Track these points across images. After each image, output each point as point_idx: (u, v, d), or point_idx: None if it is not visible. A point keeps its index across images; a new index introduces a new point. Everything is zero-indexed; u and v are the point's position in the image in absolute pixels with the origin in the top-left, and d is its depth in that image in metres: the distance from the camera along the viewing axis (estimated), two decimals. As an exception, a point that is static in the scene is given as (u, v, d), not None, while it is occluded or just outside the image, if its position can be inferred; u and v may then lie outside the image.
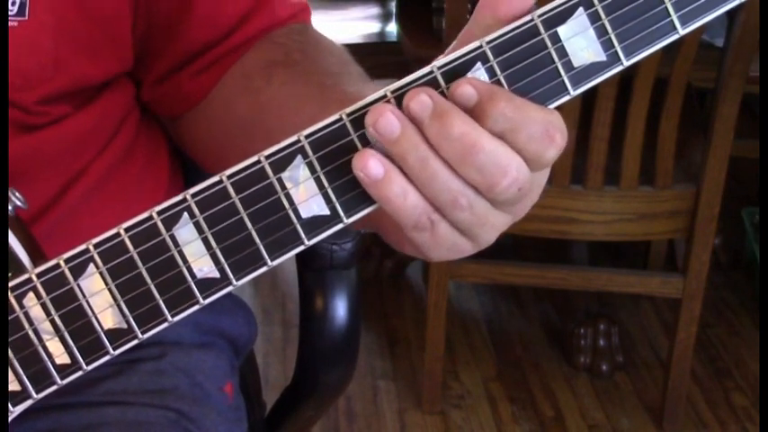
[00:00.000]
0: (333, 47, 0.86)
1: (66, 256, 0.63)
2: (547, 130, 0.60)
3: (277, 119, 0.80)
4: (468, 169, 0.59)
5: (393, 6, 2.79)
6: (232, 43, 0.85)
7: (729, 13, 1.77)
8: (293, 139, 0.62)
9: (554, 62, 0.61)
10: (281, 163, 0.62)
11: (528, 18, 0.61)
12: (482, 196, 0.61)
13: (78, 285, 0.63)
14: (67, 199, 0.83)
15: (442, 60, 0.61)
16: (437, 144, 0.59)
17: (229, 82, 0.85)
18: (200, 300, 0.63)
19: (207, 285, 0.63)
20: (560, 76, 0.61)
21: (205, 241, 0.62)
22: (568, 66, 0.61)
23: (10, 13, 0.75)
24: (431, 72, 0.61)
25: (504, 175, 0.60)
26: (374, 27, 2.94)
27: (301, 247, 0.63)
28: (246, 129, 0.82)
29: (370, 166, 0.60)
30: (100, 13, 0.80)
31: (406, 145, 0.60)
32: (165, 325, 0.64)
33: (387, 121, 0.59)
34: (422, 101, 0.59)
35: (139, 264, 0.63)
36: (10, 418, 0.66)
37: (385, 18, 2.94)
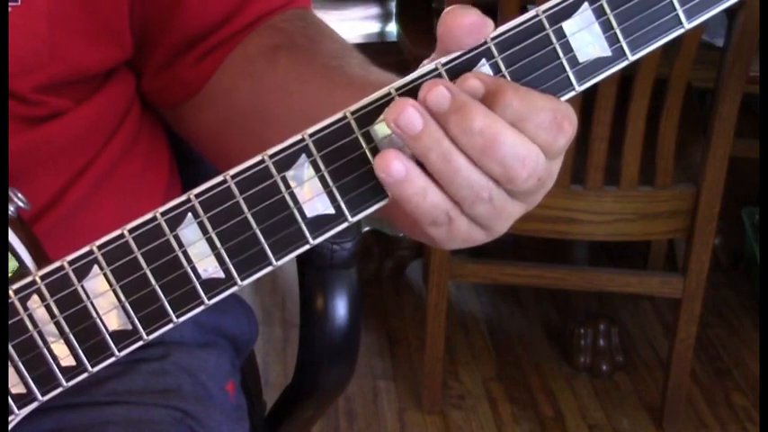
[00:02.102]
0: (333, 33, 0.86)
1: (70, 257, 0.63)
2: (555, 118, 0.60)
3: (281, 103, 0.80)
4: (490, 162, 0.59)
5: (393, 6, 2.79)
6: (231, 29, 0.84)
7: (729, 13, 1.77)
8: (297, 137, 0.61)
9: (559, 57, 0.61)
10: (286, 162, 0.61)
11: (533, 13, 0.60)
12: (501, 188, 0.61)
13: (83, 287, 0.63)
14: (70, 196, 0.82)
15: (446, 57, 0.61)
16: (457, 137, 0.59)
17: (231, 67, 0.84)
18: (206, 300, 0.63)
19: (212, 286, 0.63)
20: (565, 71, 0.61)
21: (210, 241, 0.62)
22: (573, 61, 0.61)
23: None
24: (435, 69, 0.61)
25: (523, 166, 0.60)
26: (374, 27, 2.94)
27: (306, 247, 0.62)
28: (250, 113, 0.82)
29: (393, 167, 0.59)
30: (95, 0, 0.80)
31: (428, 141, 0.59)
32: (170, 326, 0.63)
33: (408, 116, 0.59)
34: (440, 93, 0.59)
35: (144, 265, 0.62)
36: (15, 421, 0.65)
37: (385, 18, 2.94)
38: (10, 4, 0.75)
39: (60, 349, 0.64)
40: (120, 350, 0.64)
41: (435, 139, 0.59)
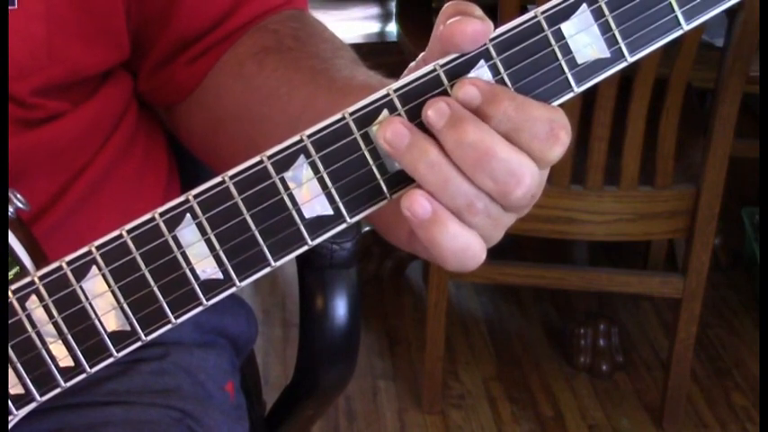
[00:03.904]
0: (326, 33, 0.86)
1: (68, 258, 0.63)
2: (551, 129, 0.59)
3: (268, 106, 0.80)
4: (482, 176, 0.59)
5: (393, 6, 2.79)
6: (224, 30, 0.84)
7: (729, 12, 1.77)
8: (295, 138, 0.61)
9: (558, 59, 0.61)
10: (284, 163, 0.61)
11: (531, 15, 0.60)
12: (496, 202, 0.61)
13: (81, 287, 0.63)
14: (68, 197, 0.82)
15: (445, 59, 0.61)
16: (451, 151, 0.59)
17: (222, 69, 0.84)
18: (204, 301, 0.63)
19: (210, 287, 0.63)
20: (564, 73, 0.61)
21: (208, 242, 0.62)
22: (572, 63, 0.61)
23: None
24: (433, 70, 0.61)
25: (518, 184, 0.59)
26: (374, 27, 2.95)
27: (305, 248, 0.62)
28: (239, 116, 0.82)
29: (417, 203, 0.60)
30: (91, 3, 0.80)
31: (416, 152, 0.59)
32: (168, 327, 0.63)
33: (395, 131, 0.59)
34: (440, 108, 0.59)
35: (142, 265, 0.62)
36: (14, 422, 0.65)
37: (385, 18, 2.95)
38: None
39: (59, 350, 0.64)
40: (118, 351, 0.64)
41: (422, 150, 0.59)
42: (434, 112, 0.59)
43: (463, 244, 0.61)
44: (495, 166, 0.59)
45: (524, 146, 0.59)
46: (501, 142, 0.59)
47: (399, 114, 0.61)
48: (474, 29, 0.59)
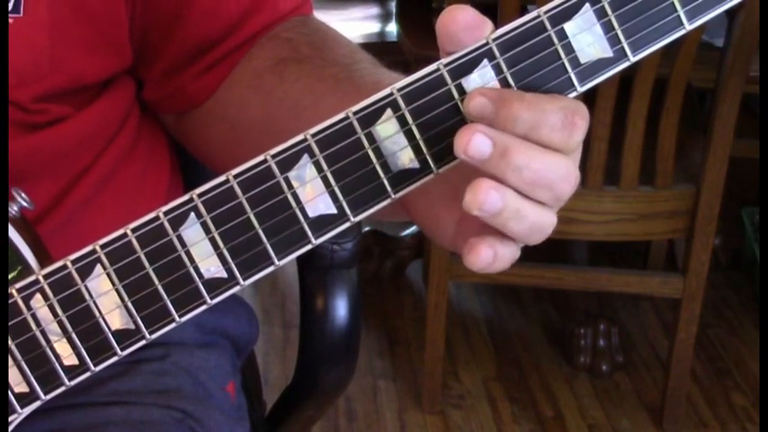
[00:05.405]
0: (338, 36, 0.85)
1: (73, 257, 0.63)
2: (566, 117, 0.60)
3: (294, 117, 0.79)
4: (542, 191, 0.60)
5: (393, 6, 2.79)
6: (235, 41, 0.84)
7: (729, 12, 1.77)
8: (300, 137, 0.62)
9: (561, 58, 0.61)
10: (288, 162, 0.62)
11: (534, 14, 0.61)
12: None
13: (85, 286, 0.63)
14: (71, 199, 0.82)
15: (448, 58, 0.61)
16: (507, 178, 0.60)
17: (239, 81, 0.84)
18: (208, 300, 0.63)
19: (214, 285, 0.63)
20: (567, 72, 0.61)
21: (212, 241, 0.62)
22: (575, 62, 0.61)
23: None
24: (437, 69, 0.61)
25: (568, 182, 0.61)
26: (374, 27, 2.94)
27: (308, 246, 0.63)
28: (262, 127, 0.82)
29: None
30: (95, 12, 0.80)
31: (507, 214, 0.60)
32: (172, 325, 0.64)
33: (491, 199, 0.60)
34: (480, 145, 0.59)
35: (146, 264, 0.62)
36: (18, 420, 0.66)
37: (385, 18, 2.94)
38: (12, 15, 0.75)
39: (63, 348, 0.64)
40: (122, 349, 0.64)
41: (512, 211, 0.60)
42: (476, 150, 0.59)
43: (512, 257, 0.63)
44: (552, 176, 0.60)
45: (545, 140, 0.60)
46: (547, 153, 0.60)
47: (402, 114, 0.61)
48: (466, 17, 0.60)
